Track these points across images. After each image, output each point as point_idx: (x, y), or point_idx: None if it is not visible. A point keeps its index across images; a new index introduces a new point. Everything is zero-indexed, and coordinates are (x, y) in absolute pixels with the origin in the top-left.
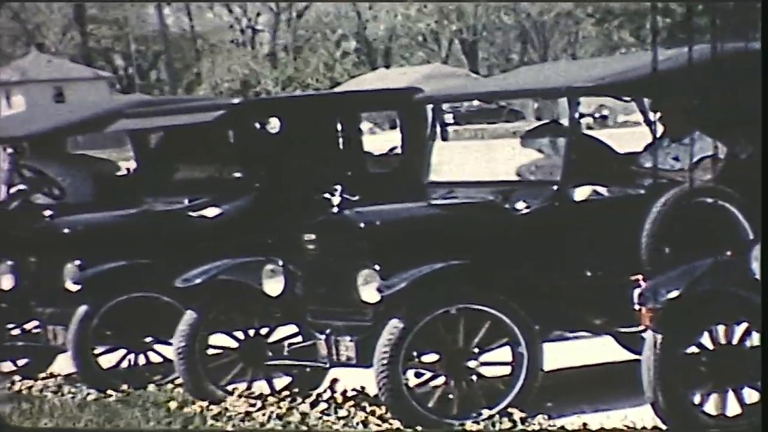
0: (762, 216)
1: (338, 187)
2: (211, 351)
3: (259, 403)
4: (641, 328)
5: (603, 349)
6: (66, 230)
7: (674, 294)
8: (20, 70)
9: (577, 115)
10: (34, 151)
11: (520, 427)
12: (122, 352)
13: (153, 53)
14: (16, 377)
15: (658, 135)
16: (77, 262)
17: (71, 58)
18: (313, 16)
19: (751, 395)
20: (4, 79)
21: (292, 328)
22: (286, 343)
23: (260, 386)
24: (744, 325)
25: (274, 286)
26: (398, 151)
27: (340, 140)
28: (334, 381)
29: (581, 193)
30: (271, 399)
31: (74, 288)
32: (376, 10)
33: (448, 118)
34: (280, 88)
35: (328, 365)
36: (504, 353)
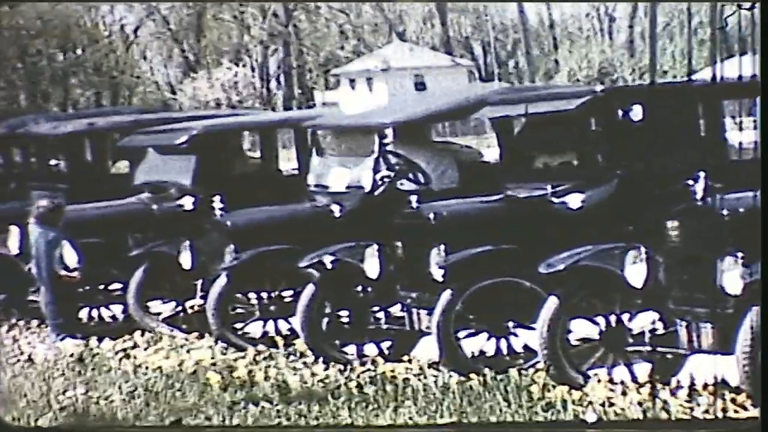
0: (762, 216)
1: (701, 175)
2: (572, 336)
3: (619, 390)
4: None
5: None
6: (431, 216)
7: None
8: (382, 58)
9: None
10: (400, 138)
11: None
12: (484, 336)
13: (512, 42)
14: (380, 360)
15: None
16: (442, 248)
17: (431, 46)
18: (670, 3)
19: None
20: (367, 67)
21: (652, 315)
22: (647, 329)
23: (620, 372)
24: None
25: (636, 273)
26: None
27: (701, 128)
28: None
29: None
30: (631, 385)
31: (439, 273)
32: None
33: None
34: (637, 77)
35: (688, 352)
36: None
